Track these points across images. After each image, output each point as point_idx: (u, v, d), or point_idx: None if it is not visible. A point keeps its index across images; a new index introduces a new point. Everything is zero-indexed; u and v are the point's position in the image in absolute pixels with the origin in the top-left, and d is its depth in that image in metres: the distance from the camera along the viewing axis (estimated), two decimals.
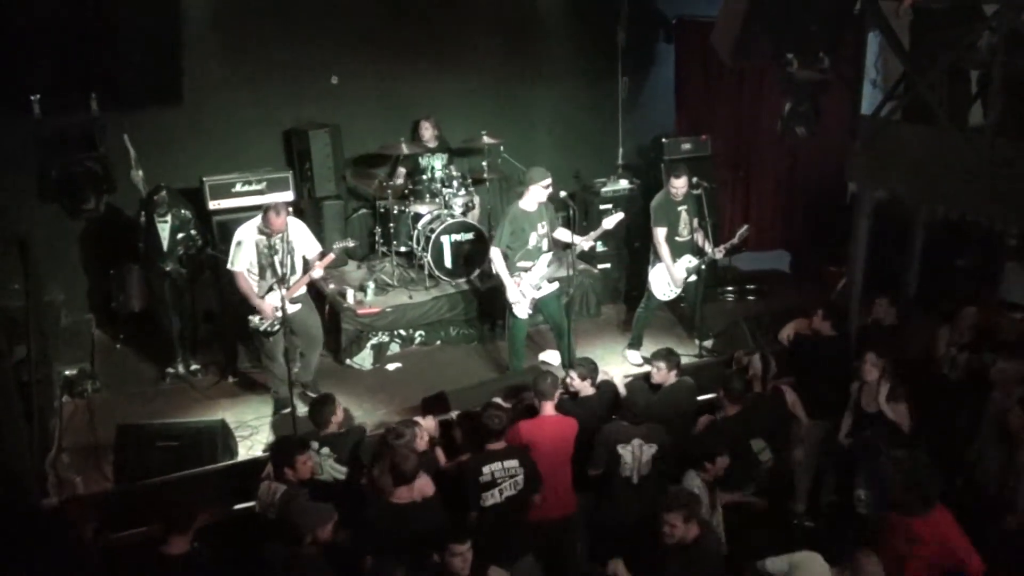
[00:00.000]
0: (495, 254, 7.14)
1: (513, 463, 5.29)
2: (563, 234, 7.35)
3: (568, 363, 7.17)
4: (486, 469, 5.24)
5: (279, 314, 6.46)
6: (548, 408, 5.73)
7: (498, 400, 6.01)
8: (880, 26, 6.51)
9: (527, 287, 7.16)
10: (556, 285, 7.13)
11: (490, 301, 8.38)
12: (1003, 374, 5.79)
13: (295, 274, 6.70)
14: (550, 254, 7.27)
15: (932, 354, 6.62)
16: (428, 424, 5.75)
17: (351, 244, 7.28)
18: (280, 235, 6.60)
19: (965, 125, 6.24)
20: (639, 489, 5.62)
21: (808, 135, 7.16)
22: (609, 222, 7.19)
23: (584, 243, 7.37)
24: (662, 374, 6.37)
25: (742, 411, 6.01)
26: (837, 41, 6.75)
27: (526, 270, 7.16)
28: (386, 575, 4.68)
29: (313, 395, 6.90)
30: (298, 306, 6.77)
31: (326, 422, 5.63)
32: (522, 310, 7.22)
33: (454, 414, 6.32)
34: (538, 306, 7.36)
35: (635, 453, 5.60)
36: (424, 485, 5.11)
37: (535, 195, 7.06)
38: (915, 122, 6.41)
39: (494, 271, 7.29)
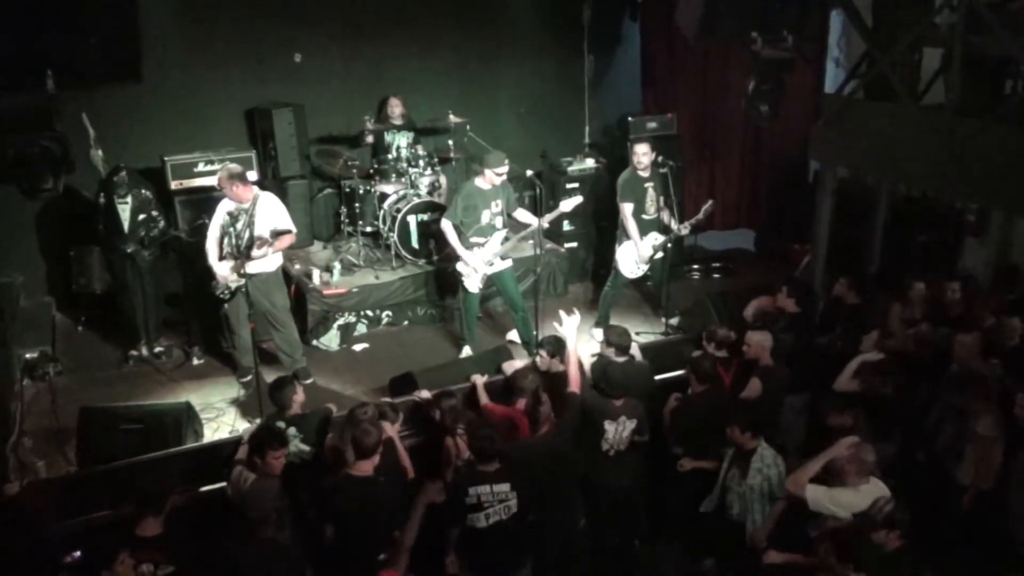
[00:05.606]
0: (446, 226, 7.22)
1: (504, 487, 4.85)
2: (523, 215, 7.44)
3: (526, 338, 7.38)
4: (472, 491, 4.81)
5: (229, 283, 6.59)
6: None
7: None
8: (843, 5, 6.58)
9: (479, 262, 7.24)
10: (510, 262, 7.17)
11: (456, 281, 8.36)
12: (964, 347, 5.89)
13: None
14: (504, 232, 7.34)
15: (886, 329, 6.72)
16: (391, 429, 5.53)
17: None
18: (245, 207, 6.58)
19: (920, 102, 6.32)
20: (617, 462, 5.69)
21: (772, 114, 7.19)
22: (567, 204, 7.24)
23: (543, 223, 7.32)
24: (602, 347, 6.36)
25: (711, 388, 5.98)
26: (801, 20, 6.79)
27: (479, 246, 7.25)
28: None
29: (306, 381, 6.97)
30: (248, 280, 6.59)
31: (288, 403, 5.61)
32: (473, 284, 7.35)
33: (424, 393, 6.21)
34: (492, 282, 7.41)
35: (618, 429, 5.66)
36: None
37: (490, 178, 7.15)
38: (877, 100, 6.48)
39: (446, 244, 7.40)
